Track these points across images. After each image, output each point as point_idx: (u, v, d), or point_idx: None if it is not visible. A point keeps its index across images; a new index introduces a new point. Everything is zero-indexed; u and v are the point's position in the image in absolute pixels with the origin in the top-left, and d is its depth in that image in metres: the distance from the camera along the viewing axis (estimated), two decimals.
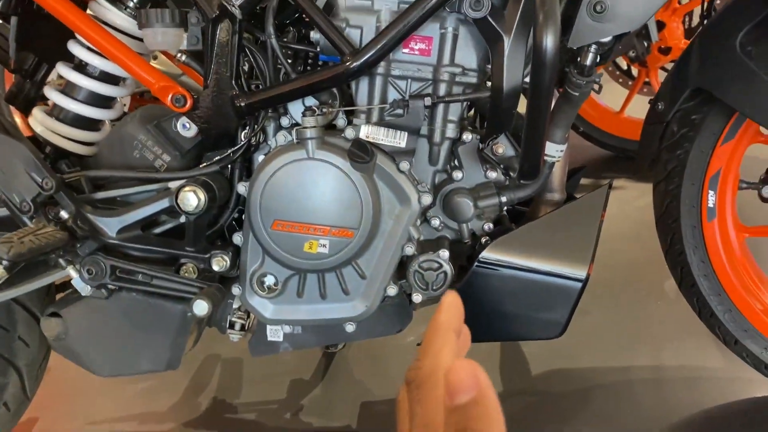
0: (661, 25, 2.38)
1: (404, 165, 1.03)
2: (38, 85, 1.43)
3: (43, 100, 1.25)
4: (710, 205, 1.24)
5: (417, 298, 1.08)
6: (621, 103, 2.65)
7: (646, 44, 2.29)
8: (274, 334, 1.19)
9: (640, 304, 1.78)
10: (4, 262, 0.86)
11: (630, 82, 2.67)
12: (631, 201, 2.33)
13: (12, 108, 1.26)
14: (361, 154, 0.97)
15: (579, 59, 0.96)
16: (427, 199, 1.04)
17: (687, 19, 2.43)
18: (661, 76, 2.49)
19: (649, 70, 2.52)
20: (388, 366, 1.64)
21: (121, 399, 1.63)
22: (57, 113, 1.16)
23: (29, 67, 1.41)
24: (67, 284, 1.25)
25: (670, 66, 2.45)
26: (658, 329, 1.68)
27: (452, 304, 0.50)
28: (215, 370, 1.69)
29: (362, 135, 1.03)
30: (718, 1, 2.05)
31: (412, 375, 0.45)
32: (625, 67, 2.69)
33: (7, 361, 1.24)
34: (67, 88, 1.15)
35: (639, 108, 2.56)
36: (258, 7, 1.07)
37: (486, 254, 1.06)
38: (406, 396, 0.46)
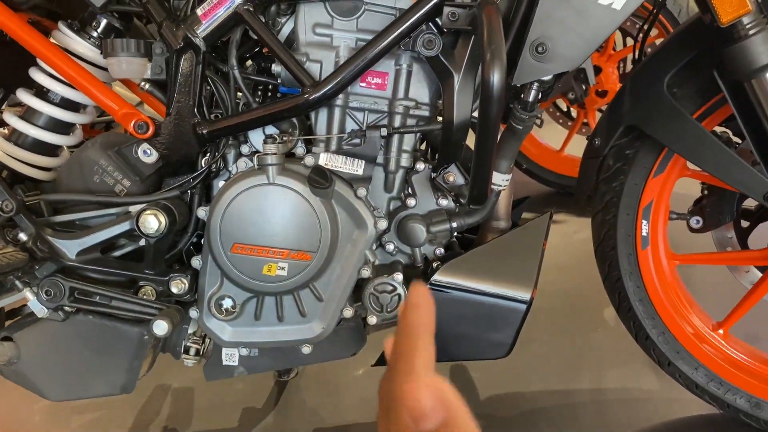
0: (597, 70, 2.54)
1: (361, 191, 1.08)
2: None
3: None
4: (644, 234, 1.33)
5: (372, 320, 1.12)
6: (561, 142, 2.78)
7: (584, 87, 2.43)
8: (229, 358, 1.21)
9: (581, 332, 1.86)
10: None
11: (569, 123, 2.81)
12: (571, 234, 2.44)
13: None
14: (320, 179, 1.02)
15: (522, 96, 1.04)
16: (382, 224, 1.09)
17: (621, 64, 2.60)
18: (599, 117, 2.64)
19: (587, 111, 2.67)
20: (341, 394, 1.66)
21: (67, 430, 1.60)
22: (15, 138, 1.17)
23: None
24: (15, 312, 1.25)
25: (598, 122, 2.60)
26: (598, 355, 1.76)
27: (422, 298, 0.41)
28: (165, 399, 1.67)
29: (321, 162, 1.08)
30: (648, 49, 2.21)
31: (384, 391, 0.38)
32: (565, 109, 2.84)
33: None
34: (27, 114, 1.17)
35: (578, 147, 2.70)
36: (220, 40, 1.12)
37: (437, 277, 1.11)
38: (382, 415, 0.39)
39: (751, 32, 1.02)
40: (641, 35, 1.46)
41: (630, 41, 2.61)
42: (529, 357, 1.72)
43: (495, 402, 1.60)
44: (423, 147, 1.30)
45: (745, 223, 1.43)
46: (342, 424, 1.55)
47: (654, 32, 2.41)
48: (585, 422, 1.51)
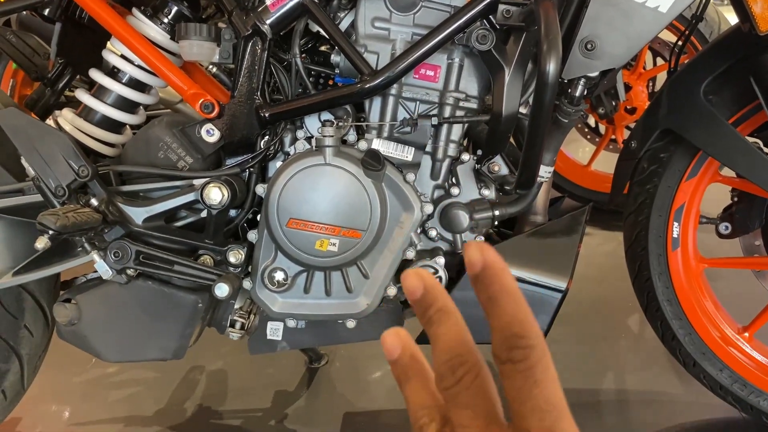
0: (627, 88, 2.59)
1: (410, 176, 1.14)
2: (58, 93, 1.53)
3: (60, 108, 1.34)
4: (674, 235, 1.38)
5: None
6: (588, 157, 2.84)
7: (614, 103, 2.48)
8: (274, 332, 1.27)
9: (605, 337, 1.90)
10: (51, 232, 0.93)
11: (597, 139, 2.86)
12: (596, 247, 2.48)
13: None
14: (374, 162, 1.08)
15: (569, 91, 1.10)
16: (428, 209, 1.15)
17: (651, 83, 2.66)
18: (626, 134, 2.69)
19: (616, 127, 2.72)
20: (370, 383, 1.71)
21: (104, 404, 1.66)
22: (85, 114, 1.24)
23: (52, 76, 1.51)
24: (65, 284, 1.32)
25: (634, 125, 2.65)
26: (622, 359, 1.80)
27: (500, 260, 0.39)
28: (200, 380, 1.73)
29: (373, 147, 1.14)
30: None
31: (521, 354, 0.36)
32: (593, 125, 2.89)
33: (11, 348, 1.28)
34: (98, 92, 1.24)
35: (604, 163, 2.76)
36: (282, 32, 1.19)
37: None
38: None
39: None
40: (676, 50, 1.52)
41: (660, 61, 2.67)
42: (554, 357, 1.75)
43: None
44: (465, 142, 1.37)
45: None
46: (371, 410, 1.60)
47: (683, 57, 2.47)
48: (607, 420, 1.56)
